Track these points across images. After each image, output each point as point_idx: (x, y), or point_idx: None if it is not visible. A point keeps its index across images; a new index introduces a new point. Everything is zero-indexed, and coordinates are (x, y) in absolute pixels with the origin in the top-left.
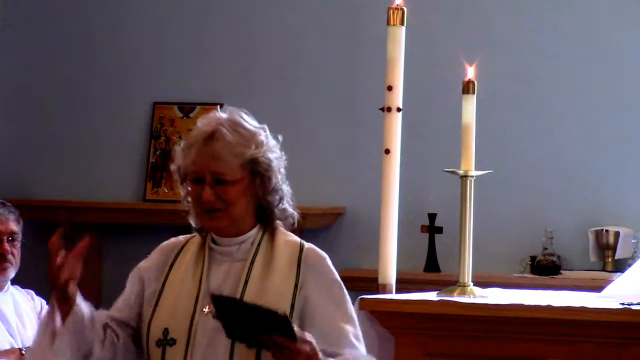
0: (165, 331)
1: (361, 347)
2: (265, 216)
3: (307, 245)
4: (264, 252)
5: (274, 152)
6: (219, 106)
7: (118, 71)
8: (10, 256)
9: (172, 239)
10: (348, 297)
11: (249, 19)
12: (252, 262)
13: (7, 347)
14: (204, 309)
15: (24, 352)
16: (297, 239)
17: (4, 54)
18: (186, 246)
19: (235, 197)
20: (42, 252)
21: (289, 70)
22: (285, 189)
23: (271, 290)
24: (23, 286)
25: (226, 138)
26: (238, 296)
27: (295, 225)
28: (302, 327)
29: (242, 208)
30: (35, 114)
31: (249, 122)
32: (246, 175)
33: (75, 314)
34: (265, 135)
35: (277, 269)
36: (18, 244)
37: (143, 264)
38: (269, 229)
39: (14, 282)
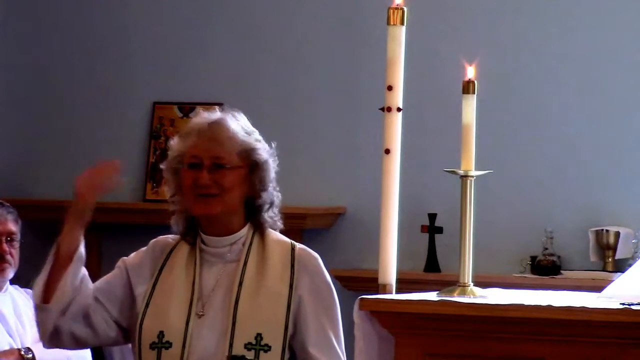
0: (161, 334)
1: (341, 351)
2: (254, 217)
3: (298, 245)
4: (256, 252)
5: (269, 154)
6: (218, 106)
7: (118, 71)
8: (8, 256)
9: (162, 238)
10: (336, 299)
11: (249, 19)
12: (245, 263)
13: (6, 347)
14: (198, 313)
15: (22, 352)
16: (287, 239)
17: (4, 53)
18: (176, 247)
19: (231, 184)
20: (41, 252)
21: (289, 70)
22: (276, 195)
23: (266, 291)
24: (22, 286)
25: (230, 124)
26: (234, 297)
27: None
28: (295, 325)
29: (235, 199)
30: (34, 114)
31: (247, 122)
32: (243, 166)
33: (80, 253)
34: (261, 139)
35: (271, 269)
36: (17, 244)
37: (130, 259)
38: (259, 230)
39: (12, 282)
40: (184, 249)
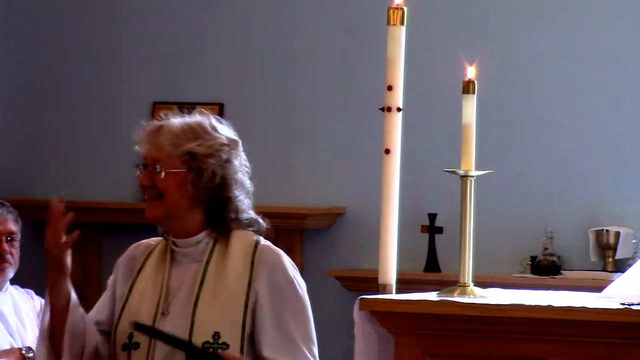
0: (130, 335)
1: (308, 350)
2: (215, 222)
3: (262, 242)
4: (218, 252)
5: (228, 162)
6: (218, 106)
7: (118, 71)
8: (9, 256)
9: (143, 242)
10: (303, 296)
11: (248, 19)
12: (207, 263)
13: (7, 347)
14: (164, 312)
15: (23, 351)
16: (254, 237)
17: (4, 53)
18: (155, 250)
19: (166, 186)
20: (41, 251)
21: (289, 70)
22: (242, 199)
23: (225, 290)
24: (22, 286)
25: (171, 128)
26: (194, 297)
27: (264, 232)
28: (253, 325)
29: (176, 201)
30: (35, 114)
31: (217, 127)
32: (181, 167)
33: (73, 301)
34: (227, 144)
35: (232, 268)
36: (17, 244)
37: (119, 260)
38: (222, 230)
39: (13, 281)
40: (160, 250)
